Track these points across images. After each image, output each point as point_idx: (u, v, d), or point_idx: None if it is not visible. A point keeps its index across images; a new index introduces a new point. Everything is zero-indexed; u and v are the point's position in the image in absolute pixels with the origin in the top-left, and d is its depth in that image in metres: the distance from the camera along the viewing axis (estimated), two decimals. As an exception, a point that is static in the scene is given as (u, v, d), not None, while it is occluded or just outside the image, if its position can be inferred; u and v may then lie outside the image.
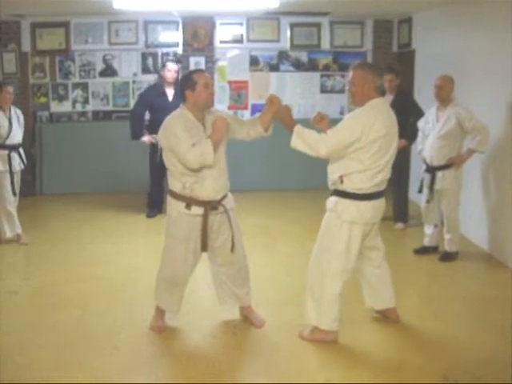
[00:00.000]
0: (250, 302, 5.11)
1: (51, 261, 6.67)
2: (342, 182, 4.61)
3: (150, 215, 8.47)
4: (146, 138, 8.25)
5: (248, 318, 5.08)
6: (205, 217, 4.62)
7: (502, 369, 4.33)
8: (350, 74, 4.66)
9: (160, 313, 4.98)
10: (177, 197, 4.65)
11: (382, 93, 7.95)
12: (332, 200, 4.75)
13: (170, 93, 8.25)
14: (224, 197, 4.75)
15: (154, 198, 8.56)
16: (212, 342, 4.82)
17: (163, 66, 8.47)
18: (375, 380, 4.17)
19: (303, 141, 4.59)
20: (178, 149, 4.45)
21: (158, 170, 8.07)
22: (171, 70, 8.23)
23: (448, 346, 4.68)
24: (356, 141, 4.43)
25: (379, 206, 4.70)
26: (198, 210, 4.61)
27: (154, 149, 8.15)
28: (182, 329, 5.01)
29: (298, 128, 4.64)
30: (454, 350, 4.63)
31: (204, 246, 4.73)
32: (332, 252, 4.67)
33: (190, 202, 4.60)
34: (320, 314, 4.70)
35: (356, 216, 4.59)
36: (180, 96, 4.75)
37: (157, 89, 8.41)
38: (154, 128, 8.07)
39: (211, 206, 4.64)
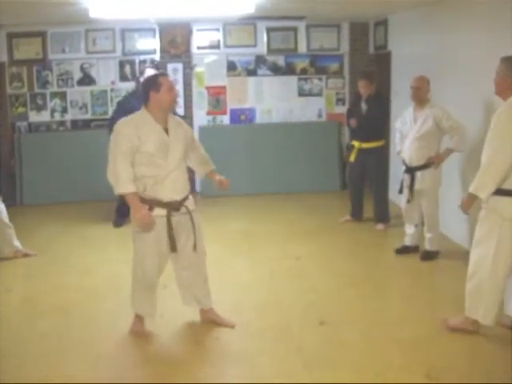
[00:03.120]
0: (211, 304, 5.15)
1: (33, 271, 6.65)
2: None
3: (117, 224, 8.41)
4: None
5: (215, 322, 5.12)
6: (168, 218, 4.68)
7: (485, 366, 4.39)
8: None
9: (139, 317, 5.02)
10: (140, 199, 4.69)
11: (358, 98, 8.08)
12: (491, 199, 4.62)
13: None
14: (185, 198, 4.82)
15: (122, 206, 8.50)
16: (195, 347, 4.83)
17: (141, 72, 8.42)
18: (358, 381, 4.20)
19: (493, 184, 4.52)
20: (110, 153, 4.61)
21: None
22: None
23: (430, 345, 4.71)
24: None
25: None
26: (160, 212, 4.67)
27: None
28: (165, 335, 5.02)
29: (473, 190, 4.62)
30: (437, 348, 4.66)
31: (173, 247, 4.77)
32: (493, 248, 4.64)
33: (152, 203, 4.66)
34: (483, 308, 4.70)
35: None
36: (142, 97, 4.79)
37: (135, 96, 8.36)
38: None
39: (173, 207, 4.70)
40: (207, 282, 5.12)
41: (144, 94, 4.72)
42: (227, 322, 5.10)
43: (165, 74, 4.97)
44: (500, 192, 4.53)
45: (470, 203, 4.73)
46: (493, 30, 6.26)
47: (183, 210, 4.78)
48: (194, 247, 4.86)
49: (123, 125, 4.64)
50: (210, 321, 5.14)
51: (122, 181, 4.53)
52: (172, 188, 4.68)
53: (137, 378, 4.35)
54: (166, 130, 4.69)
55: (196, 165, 5.10)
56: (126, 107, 8.22)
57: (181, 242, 4.84)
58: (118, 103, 8.65)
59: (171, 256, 4.96)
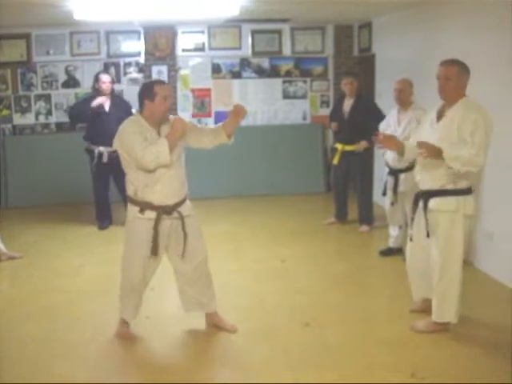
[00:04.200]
0: (215, 308, 5.12)
1: (18, 274, 6.63)
2: (454, 182, 4.69)
3: (101, 227, 8.42)
4: (98, 100, 8.10)
5: (218, 326, 5.09)
6: (156, 220, 4.63)
7: (469, 366, 4.42)
8: (441, 70, 4.73)
9: (124, 320, 5.00)
10: (132, 201, 4.70)
11: (341, 99, 8.13)
12: (451, 200, 4.72)
13: (106, 103, 8.17)
14: (179, 203, 4.76)
15: (101, 208, 8.53)
16: (180, 349, 4.86)
17: (96, 78, 8.26)
18: (343, 381, 4.22)
19: (461, 163, 4.54)
20: (133, 152, 4.48)
21: (100, 180, 8.31)
22: (106, 82, 8.11)
23: (415, 345, 4.75)
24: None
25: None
26: (151, 214, 4.64)
27: (92, 158, 8.21)
28: (149, 336, 5.02)
29: (447, 154, 4.55)
30: (422, 348, 4.69)
31: (154, 250, 4.69)
32: (457, 249, 4.78)
33: (143, 206, 4.63)
34: (452, 309, 4.84)
35: (474, 209, 4.80)
36: (138, 103, 4.73)
37: (91, 101, 8.21)
38: (93, 138, 8.08)
39: (164, 210, 4.66)
40: (211, 286, 5.09)
41: (139, 101, 4.67)
42: (229, 327, 5.06)
43: (161, 82, 4.80)
44: (462, 192, 4.70)
45: (433, 155, 4.61)
46: (475, 32, 6.33)
47: (175, 214, 4.73)
48: (183, 253, 4.80)
49: (128, 126, 4.60)
50: (213, 324, 5.12)
51: (162, 153, 4.44)
52: (163, 192, 4.62)
53: (122, 380, 4.34)
54: (159, 133, 4.65)
55: (213, 139, 4.84)
56: (84, 108, 8.15)
57: (176, 247, 4.81)
58: (76, 103, 8.87)
59: (170, 261, 4.96)
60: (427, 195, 4.80)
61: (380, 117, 7.43)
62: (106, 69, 9.98)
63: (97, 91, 8.20)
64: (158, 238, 4.68)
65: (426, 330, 4.93)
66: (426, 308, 5.16)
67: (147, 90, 4.62)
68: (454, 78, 4.66)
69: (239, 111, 4.78)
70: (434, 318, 4.91)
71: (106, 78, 8.20)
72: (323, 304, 5.54)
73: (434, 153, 4.56)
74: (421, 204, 4.88)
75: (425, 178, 4.82)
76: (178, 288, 5.09)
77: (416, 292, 5.27)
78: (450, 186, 4.71)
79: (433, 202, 4.77)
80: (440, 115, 4.79)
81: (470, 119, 4.57)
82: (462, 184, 4.71)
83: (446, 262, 4.80)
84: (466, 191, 4.74)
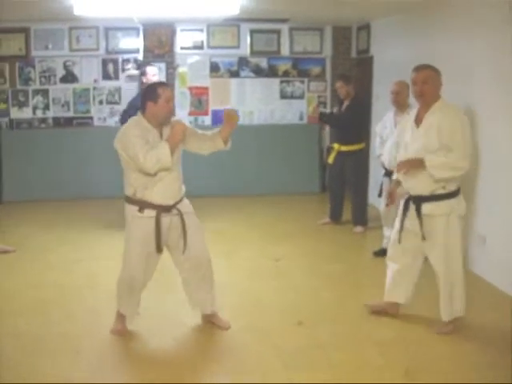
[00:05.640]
0: (214, 310, 5.12)
1: (12, 268, 6.63)
2: (444, 187, 4.75)
3: None
4: None
5: (212, 322, 5.11)
6: (157, 218, 4.66)
7: (462, 365, 4.46)
8: (415, 75, 4.85)
9: (121, 316, 4.99)
10: (130, 201, 4.70)
11: (340, 102, 8.20)
12: (444, 204, 4.79)
13: None
14: (178, 202, 4.79)
15: None
16: (175, 346, 4.85)
17: (142, 73, 8.21)
18: (336, 381, 4.23)
19: (443, 169, 4.64)
20: (134, 156, 4.47)
21: None
22: (156, 75, 8.03)
23: (409, 345, 4.78)
24: None
25: None
26: (150, 213, 4.65)
27: None
28: (145, 333, 5.03)
29: (430, 162, 4.65)
30: (415, 348, 4.72)
31: (158, 248, 4.75)
32: (458, 249, 4.86)
33: (142, 205, 4.65)
34: (459, 305, 4.92)
35: (465, 208, 4.88)
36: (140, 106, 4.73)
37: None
38: None
39: (163, 208, 4.68)
40: (213, 288, 5.09)
41: (141, 102, 4.68)
42: (223, 324, 5.08)
43: (164, 85, 4.84)
44: (453, 194, 4.78)
45: (414, 167, 4.74)
46: (474, 35, 6.35)
47: (175, 211, 4.75)
48: (184, 250, 4.82)
49: (130, 128, 4.59)
50: (208, 320, 5.13)
51: (163, 156, 4.43)
52: (163, 193, 4.64)
53: (114, 374, 4.36)
54: (161, 135, 4.66)
55: (210, 145, 4.86)
56: (135, 106, 8.11)
57: (177, 244, 4.84)
58: (130, 103, 8.52)
59: (172, 258, 4.98)
60: (418, 200, 4.84)
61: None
62: (104, 65, 10.00)
63: (144, 85, 8.13)
64: (160, 236, 4.71)
65: (446, 331, 4.96)
66: (388, 310, 5.28)
67: (150, 92, 4.63)
68: (431, 81, 4.78)
69: (231, 116, 4.82)
70: (444, 319, 4.94)
71: (154, 71, 8.11)
72: (317, 303, 5.55)
73: (415, 166, 4.72)
74: (412, 209, 4.91)
75: (413, 185, 4.86)
76: (183, 284, 5.09)
77: (388, 293, 5.31)
78: (440, 191, 4.76)
79: (425, 208, 4.81)
80: (419, 120, 4.87)
81: (447, 123, 4.67)
82: (452, 187, 4.77)
83: (448, 266, 4.86)
84: (457, 193, 4.81)
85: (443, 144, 4.65)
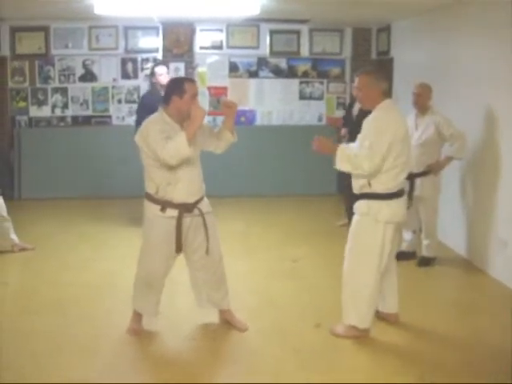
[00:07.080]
0: (229, 305, 5.12)
1: (30, 266, 6.65)
2: (370, 185, 4.70)
3: None
4: None
5: (230, 323, 5.10)
6: (179, 218, 4.64)
7: (479, 370, 4.42)
8: (356, 80, 4.88)
9: (137, 316, 4.99)
10: (152, 199, 4.68)
11: (352, 102, 8.15)
12: (363, 203, 4.78)
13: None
14: (199, 200, 4.77)
15: None
16: (191, 346, 4.84)
17: (152, 73, 8.26)
18: (355, 381, 4.23)
19: (343, 160, 4.67)
20: (155, 150, 4.45)
21: None
22: (163, 74, 8.07)
23: (425, 349, 4.74)
24: (389, 149, 4.58)
25: (405, 203, 4.90)
26: (172, 213, 4.64)
27: None
28: (161, 333, 5.03)
29: (340, 153, 4.69)
30: (432, 352, 4.68)
31: (179, 248, 4.74)
32: (368, 254, 4.78)
33: (164, 204, 4.63)
34: (357, 313, 4.83)
35: (390, 215, 4.72)
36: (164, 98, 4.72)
37: (154, 94, 8.14)
38: None
39: (185, 208, 4.66)
40: (225, 284, 5.08)
41: (166, 95, 4.65)
42: (240, 325, 5.07)
43: (191, 80, 4.83)
44: (377, 196, 4.72)
45: (323, 150, 4.89)
46: (496, 37, 6.30)
47: (196, 211, 4.74)
48: (207, 250, 4.82)
49: (151, 123, 4.59)
50: (225, 321, 5.13)
51: (181, 145, 4.39)
52: (186, 190, 4.63)
53: (131, 374, 4.36)
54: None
55: (221, 140, 4.92)
56: (146, 106, 8.13)
57: (192, 243, 4.82)
58: (138, 105, 8.53)
59: (185, 257, 4.96)
60: (355, 199, 4.89)
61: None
62: (123, 64, 10.01)
63: (154, 85, 8.18)
64: (181, 236, 4.69)
65: (344, 335, 4.92)
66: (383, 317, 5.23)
67: (177, 87, 4.61)
68: (365, 88, 4.79)
69: (229, 105, 4.88)
70: (343, 320, 4.95)
71: (162, 70, 8.11)
72: (335, 305, 5.51)
73: (325, 148, 4.84)
74: None
75: (353, 182, 4.89)
76: (192, 283, 5.09)
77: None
78: (365, 189, 4.76)
79: (355, 206, 4.87)
80: None
81: (370, 125, 4.71)
82: (377, 188, 4.71)
83: (351, 266, 4.88)
84: (383, 196, 4.71)
85: (360, 142, 4.73)
